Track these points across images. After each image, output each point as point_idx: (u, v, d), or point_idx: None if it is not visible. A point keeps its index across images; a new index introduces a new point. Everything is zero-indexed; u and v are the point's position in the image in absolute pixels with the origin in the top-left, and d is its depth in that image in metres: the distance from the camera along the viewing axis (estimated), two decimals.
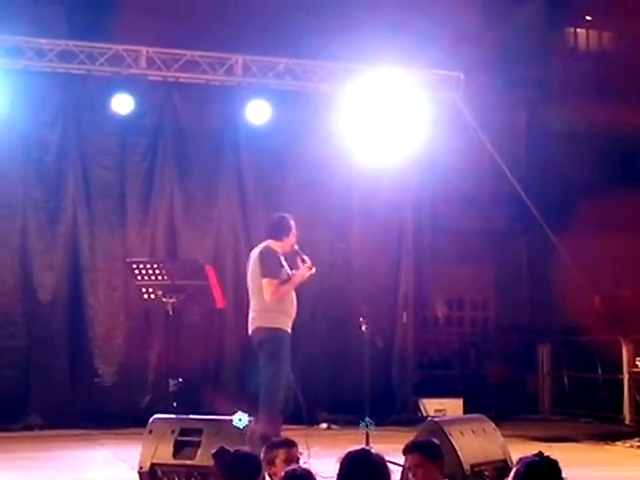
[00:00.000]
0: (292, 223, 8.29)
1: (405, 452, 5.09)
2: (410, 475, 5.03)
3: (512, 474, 4.00)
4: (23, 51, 10.54)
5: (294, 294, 8.32)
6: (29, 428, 10.13)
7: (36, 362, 10.43)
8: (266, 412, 7.65)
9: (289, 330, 8.12)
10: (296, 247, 8.19)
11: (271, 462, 5.20)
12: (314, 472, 4.45)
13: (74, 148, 10.80)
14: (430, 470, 4.96)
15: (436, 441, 5.25)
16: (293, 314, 8.18)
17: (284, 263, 8.00)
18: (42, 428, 10.15)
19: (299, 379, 10.81)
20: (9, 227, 10.59)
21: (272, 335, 8.04)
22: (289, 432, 8.57)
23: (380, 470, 4.40)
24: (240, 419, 5.33)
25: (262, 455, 5.19)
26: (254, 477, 4.50)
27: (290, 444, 5.34)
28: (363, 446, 4.53)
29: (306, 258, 8.12)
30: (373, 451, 4.55)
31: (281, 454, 5.21)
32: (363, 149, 11.32)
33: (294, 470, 4.48)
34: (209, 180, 11.25)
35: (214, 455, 4.51)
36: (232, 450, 4.52)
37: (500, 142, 12.60)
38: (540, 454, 4.00)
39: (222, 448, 4.53)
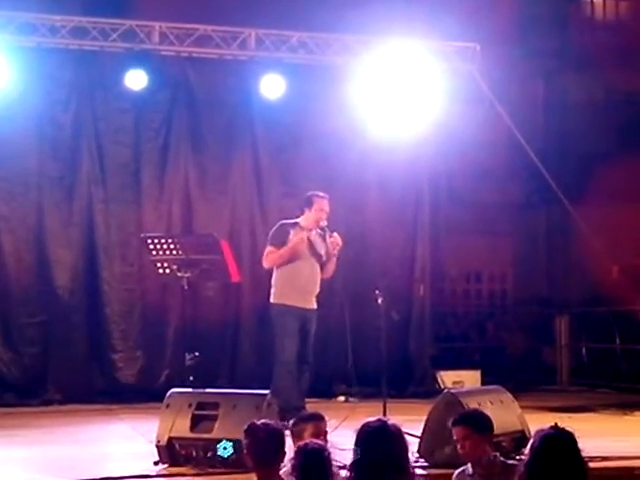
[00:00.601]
0: (316, 199, 8.37)
1: (452, 424, 5.10)
2: (458, 447, 5.05)
3: (528, 447, 3.98)
4: (36, 28, 10.51)
5: (312, 267, 8.33)
6: (48, 403, 10.20)
7: (54, 338, 10.48)
8: (276, 386, 7.72)
9: (298, 305, 8.15)
10: (322, 224, 8.25)
11: (299, 435, 5.21)
12: (332, 444, 4.47)
13: (88, 125, 10.78)
14: (477, 442, 4.97)
15: (485, 413, 5.25)
16: (308, 287, 8.19)
17: (296, 234, 8.05)
18: (61, 403, 10.23)
19: (318, 351, 10.91)
20: (25, 205, 10.61)
21: (275, 310, 8.18)
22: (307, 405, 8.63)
23: (397, 440, 4.40)
24: (225, 447, 5.36)
25: (290, 428, 5.23)
26: (281, 451, 4.53)
27: (318, 418, 5.36)
28: (380, 417, 4.51)
29: (335, 235, 8.19)
30: (390, 422, 4.55)
31: (309, 428, 5.23)
32: (378, 122, 11.24)
33: (306, 445, 4.49)
34: (224, 155, 11.23)
35: (246, 431, 4.53)
36: (262, 425, 4.55)
37: (517, 113, 12.49)
38: (556, 426, 3.98)
39: (253, 424, 4.56)
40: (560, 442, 3.89)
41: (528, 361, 13.21)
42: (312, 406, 9.68)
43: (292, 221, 8.49)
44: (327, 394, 10.91)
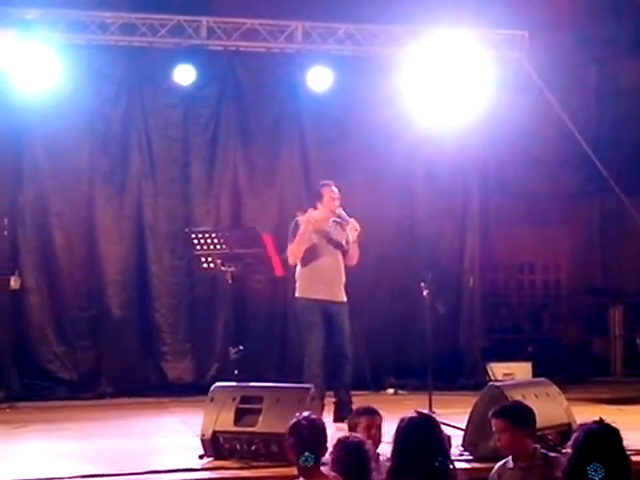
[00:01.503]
0: (325, 190, 8.33)
1: (492, 416, 5.09)
2: (496, 439, 5.05)
3: (572, 441, 3.94)
4: (86, 25, 10.64)
5: (333, 259, 8.28)
6: (100, 397, 10.37)
7: (106, 332, 10.64)
8: (305, 379, 7.74)
9: (321, 297, 8.12)
10: (338, 212, 8.20)
11: (353, 429, 5.28)
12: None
13: (138, 120, 10.90)
14: (515, 435, 4.94)
15: (527, 406, 5.22)
16: (330, 279, 8.15)
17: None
18: (113, 396, 10.38)
19: (367, 344, 10.92)
20: (76, 200, 10.77)
21: (298, 305, 8.21)
22: (354, 398, 8.65)
23: (432, 433, 4.41)
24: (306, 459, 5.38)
25: (347, 422, 5.33)
26: (323, 447, 4.56)
27: (372, 412, 5.42)
28: (417, 410, 4.53)
29: (352, 220, 8.14)
30: (426, 415, 4.56)
31: (363, 421, 5.29)
32: (426, 113, 11.18)
33: (346, 438, 4.52)
34: (272, 148, 11.28)
35: (290, 430, 4.57)
36: (305, 422, 4.58)
37: (569, 101, 12.32)
38: (600, 421, 3.94)
39: (297, 422, 4.59)
40: (604, 437, 3.85)
41: (581, 353, 13.06)
42: (360, 399, 9.73)
43: (300, 217, 8.45)
44: (376, 386, 10.90)
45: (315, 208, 8.43)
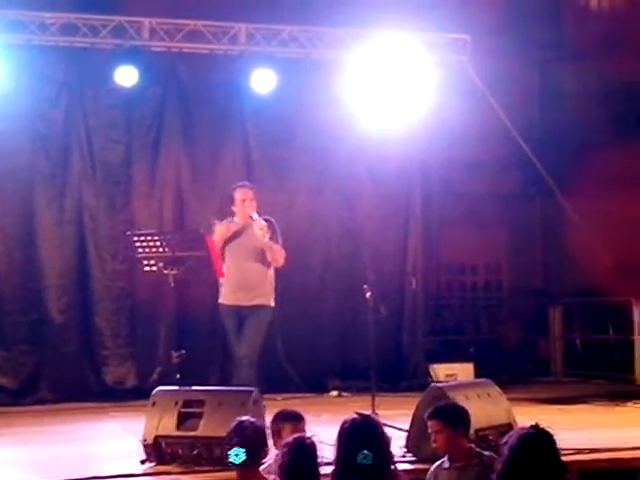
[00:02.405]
0: (236, 192, 8.21)
1: (427, 418, 5.12)
2: (432, 440, 5.07)
3: (506, 444, 3.97)
4: (25, 25, 10.49)
5: (247, 263, 8.13)
6: (40, 402, 10.20)
7: (46, 337, 10.48)
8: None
9: (233, 303, 8.07)
10: (253, 216, 8.05)
11: (277, 434, 5.22)
12: (321, 440, 4.47)
13: (79, 122, 10.79)
14: (450, 436, 4.98)
15: (462, 406, 5.26)
16: (244, 285, 8.02)
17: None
18: (53, 402, 10.21)
19: (311, 346, 10.93)
20: (16, 202, 10.60)
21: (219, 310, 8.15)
22: (298, 400, 8.64)
23: (375, 435, 4.41)
24: (237, 454, 5.33)
25: (269, 425, 5.23)
26: (265, 449, 4.54)
27: (298, 418, 5.35)
28: (358, 412, 4.53)
29: (255, 221, 7.99)
30: (369, 417, 4.55)
31: (287, 427, 5.23)
32: (370, 115, 11.22)
33: (295, 440, 4.49)
34: (215, 150, 11.23)
35: (234, 429, 4.54)
36: (249, 423, 4.56)
37: (512, 105, 12.45)
38: (535, 425, 3.98)
39: (241, 422, 4.57)
40: (537, 441, 3.89)
41: (522, 353, 13.21)
42: (305, 401, 9.75)
43: (222, 222, 8.36)
44: (320, 388, 10.92)
45: (232, 213, 8.31)
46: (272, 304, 8.28)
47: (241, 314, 8.16)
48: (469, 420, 5.14)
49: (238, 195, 8.23)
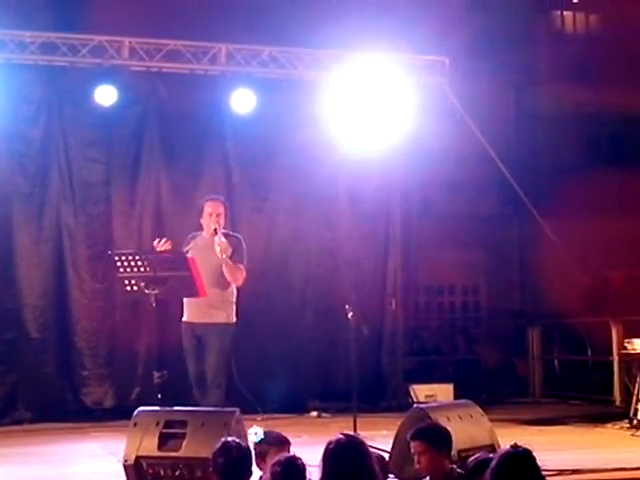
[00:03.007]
0: (204, 205, 8.12)
1: (410, 439, 5.11)
2: (415, 461, 5.06)
3: (489, 468, 3.99)
4: (5, 44, 10.46)
5: (211, 280, 7.89)
6: (18, 422, 10.09)
7: (24, 356, 10.38)
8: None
9: (191, 320, 7.97)
10: (213, 228, 7.95)
11: (262, 456, 5.19)
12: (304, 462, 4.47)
13: (58, 141, 10.75)
14: (434, 457, 4.98)
15: (444, 427, 5.26)
16: (200, 300, 7.77)
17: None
18: (31, 422, 10.12)
19: (291, 367, 10.90)
20: None
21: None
22: (277, 420, 8.59)
23: (361, 456, 4.40)
24: (256, 432, 5.27)
25: (253, 448, 5.20)
26: (250, 470, 4.52)
27: (282, 442, 5.33)
28: (344, 432, 4.51)
29: (216, 237, 7.88)
30: (354, 438, 4.55)
31: (273, 450, 5.19)
32: (349, 136, 11.27)
33: (288, 459, 4.47)
34: (195, 170, 11.21)
35: (219, 450, 4.51)
36: (235, 443, 4.54)
37: (488, 127, 12.53)
38: (515, 445, 4.00)
39: (227, 443, 4.54)
40: (518, 460, 3.91)
41: (501, 374, 13.24)
42: (285, 422, 9.70)
43: (192, 234, 8.30)
44: (300, 409, 10.88)
45: (200, 225, 8.27)
46: (233, 321, 8.07)
47: (198, 332, 7.99)
48: (451, 441, 5.15)
49: (207, 208, 8.15)
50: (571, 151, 15.84)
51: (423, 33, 12.32)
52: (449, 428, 6.22)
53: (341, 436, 4.47)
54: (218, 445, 4.61)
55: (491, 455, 4.44)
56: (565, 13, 17.47)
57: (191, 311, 8.00)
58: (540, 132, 15.42)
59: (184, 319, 8.09)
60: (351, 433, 4.73)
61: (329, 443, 4.46)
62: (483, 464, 4.31)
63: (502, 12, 14.85)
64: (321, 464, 4.46)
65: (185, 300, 8.00)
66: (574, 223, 13.01)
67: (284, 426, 9.33)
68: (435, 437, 5.09)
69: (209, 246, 7.96)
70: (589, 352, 12.52)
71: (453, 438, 6.11)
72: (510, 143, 15.04)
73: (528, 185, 12.81)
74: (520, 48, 15.14)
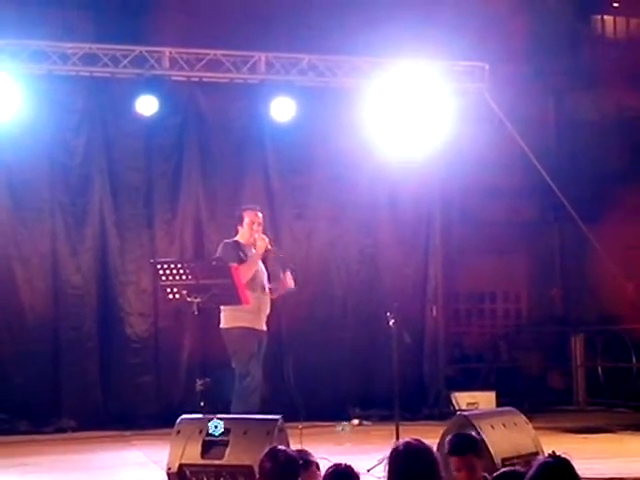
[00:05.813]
0: (245, 214, 8.28)
1: (454, 454, 5.03)
2: (455, 474, 5.00)
3: (527, 477, 3.94)
4: (47, 55, 10.58)
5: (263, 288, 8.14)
6: (62, 430, 10.16)
7: (68, 365, 10.47)
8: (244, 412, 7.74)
9: (254, 326, 8.07)
10: (256, 236, 8.09)
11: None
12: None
13: (99, 151, 10.84)
14: (477, 468, 4.92)
15: (480, 438, 5.20)
16: (262, 308, 8.03)
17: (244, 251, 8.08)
18: (75, 430, 10.19)
19: (332, 374, 10.89)
20: (38, 231, 10.64)
21: (238, 334, 8.11)
22: (318, 428, 8.57)
23: (429, 460, 4.36)
24: (216, 426, 5.27)
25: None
26: (296, 477, 4.50)
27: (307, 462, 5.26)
28: (409, 439, 4.45)
29: (287, 274, 8.07)
30: (418, 442, 4.48)
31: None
32: (389, 143, 11.26)
33: (337, 466, 4.45)
34: (235, 179, 11.25)
35: (267, 455, 4.50)
36: (282, 450, 4.53)
37: (529, 132, 12.48)
38: (553, 454, 3.94)
39: (275, 448, 4.54)
40: (556, 469, 3.85)
41: (542, 381, 13.12)
42: (324, 430, 9.70)
43: (232, 240, 8.39)
44: (341, 417, 10.86)
45: (236, 232, 8.36)
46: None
47: (260, 338, 8.17)
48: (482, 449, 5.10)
49: (248, 217, 8.27)
50: (613, 156, 15.71)
51: (463, 39, 12.30)
52: (493, 436, 6.20)
53: (409, 440, 4.43)
54: (265, 450, 4.59)
55: (518, 467, 4.34)
56: (606, 17, 17.33)
57: (252, 318, 8.04)
58: (581, 137, 15.30)
59: (246, 325, 8.05)
60: (417, 438, 4.67)
61: (396, 447, 4.41)
62: (507, 477, 4.22)
63: (542, 17, 14.78)
64: (388, 468, 4.42)
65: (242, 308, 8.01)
66: (617, 228, 12.90)
67: (325, 434, 9.38)
68: (477, 447, 5.02)
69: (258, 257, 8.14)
70: (634, 359, 12.37)
71: (497, 446, 6.10)
72: (550, 148, 14.94)
73: (570, 190, 12.73)
74: (560, 53, 15.06)
